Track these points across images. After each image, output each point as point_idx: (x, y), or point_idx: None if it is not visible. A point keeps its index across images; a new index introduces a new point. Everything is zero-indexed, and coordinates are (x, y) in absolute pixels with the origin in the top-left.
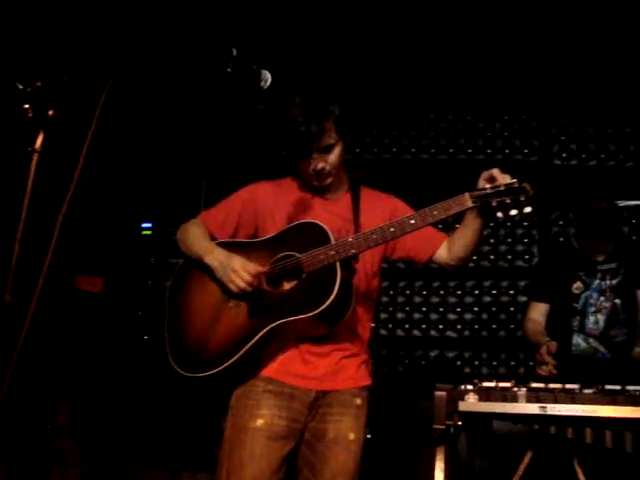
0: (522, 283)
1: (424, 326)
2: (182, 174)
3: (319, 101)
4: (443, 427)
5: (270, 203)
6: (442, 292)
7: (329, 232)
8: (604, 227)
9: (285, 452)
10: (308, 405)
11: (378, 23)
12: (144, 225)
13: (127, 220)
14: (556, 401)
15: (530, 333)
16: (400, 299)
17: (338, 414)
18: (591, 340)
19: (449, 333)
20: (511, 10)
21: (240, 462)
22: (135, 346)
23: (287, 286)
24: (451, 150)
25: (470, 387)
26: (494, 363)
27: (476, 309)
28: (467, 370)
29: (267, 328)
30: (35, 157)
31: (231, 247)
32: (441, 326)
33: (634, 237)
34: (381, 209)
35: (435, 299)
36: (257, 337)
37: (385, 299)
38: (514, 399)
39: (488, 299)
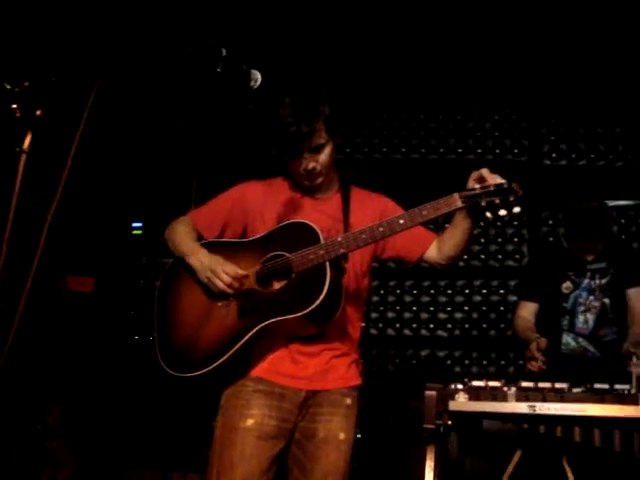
0: (512, 282)
1: (414, 325)
2: (172, 174)
3: (309, 101)
4: (433, 426)
5: (260, 203)
6: (432, 291)
7: (319, 232)
8: (593, 227)
9: (275, 452)
10: (298, 405)
11: (368, 23)
12: (134, 225)
13: (118, 220)
14: (545, 400)
15: (520, 330)
16: (390, 298)
17: (328, 414)
18: (580, 339)
19: (439, 332)
20: (501, 10)
21: (230, 462)
22: (126, 346)
23: (277, 286)
24: (441, 150)
25: (460, 386)
26: (484, 362)
27: (466, 308)
28: (457, 369)
29: (257, 328)
30: (23, 157)
31: (220, 247)
32: (431, 325)
33: (623, 237)
34: (371, 209)
35: (425, 298)
36: (247, 337)
37: (375, 298)
38: (504, 398)
39: (478, 298)
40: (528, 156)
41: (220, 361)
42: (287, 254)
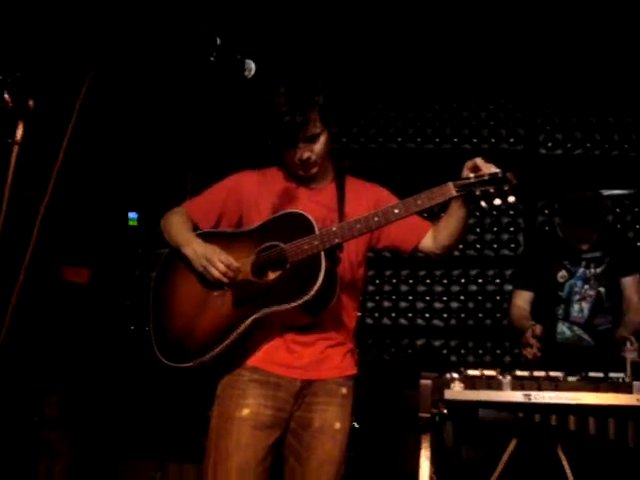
0: (508, 272)
1: (410, 315)
2: (168, 164)
3: (304, 91)
4: (429, 415)
5: (255, 193)
6: (428, 281)
7: (313, 222)
8: (588, 216)
9: (271, 441)
10: (294, 394)
11: (363, 13)
12: (130, 216)
13: (113, 211)
14: (540, 389)
15: (515, 319)
16: (386, 288)
17: (324, 403)
18: (575, 328)
19: (435, 322)
20: (497, 1)
21: (226, 452)
22: (122, 337)
23: (272, 276)
24: (437, 139)
25: (456, 375)
26: (480, 351)
27: (462, 298)
28: (453, 358)
29: (252, 318)
30: (15, 149)
31: (215, 237)
32: (427, 315)
33: (618, 226)
34: (365, 198)
35: (421, 288)
36: (242, 327)
37: (371, 288)
38: (499, 387)
39: (474, 288)
40: (524, 145)
41: (216, 351)
42: (282, 244)
